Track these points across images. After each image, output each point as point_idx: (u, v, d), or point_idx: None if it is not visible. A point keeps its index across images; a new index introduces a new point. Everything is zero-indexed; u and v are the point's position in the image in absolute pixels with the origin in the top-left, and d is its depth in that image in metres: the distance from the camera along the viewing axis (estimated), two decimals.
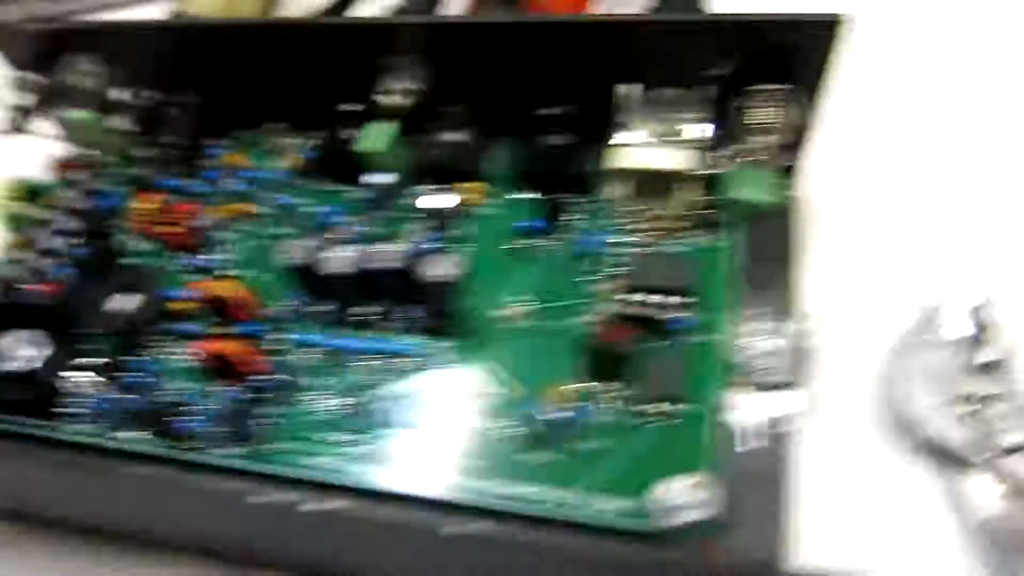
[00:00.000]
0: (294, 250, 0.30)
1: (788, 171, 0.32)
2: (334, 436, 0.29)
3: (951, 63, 0.39)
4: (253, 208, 0.35)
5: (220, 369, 0.30)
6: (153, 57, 0.37)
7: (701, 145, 0.30)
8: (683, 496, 0.25)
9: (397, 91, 0.33)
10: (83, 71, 0.37)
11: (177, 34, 0.36)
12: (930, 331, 0.30)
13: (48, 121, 0.38)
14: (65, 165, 0.37)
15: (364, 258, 0.29)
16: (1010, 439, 0.28)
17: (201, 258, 0.34)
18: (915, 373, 0.29)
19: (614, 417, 0.28)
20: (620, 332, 0.27)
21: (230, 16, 0.43)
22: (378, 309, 0.31)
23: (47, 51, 0.37)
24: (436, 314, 0.30)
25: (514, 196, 0.34)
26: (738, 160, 0.30)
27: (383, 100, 0.33)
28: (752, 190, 0.30)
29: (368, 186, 0.33)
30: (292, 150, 0.36)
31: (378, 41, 0.33)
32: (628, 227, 0.32)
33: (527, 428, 0.28)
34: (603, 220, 0.32)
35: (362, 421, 0.29)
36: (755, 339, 0.29)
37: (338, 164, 0.35)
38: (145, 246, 0.35)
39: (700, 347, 0.29)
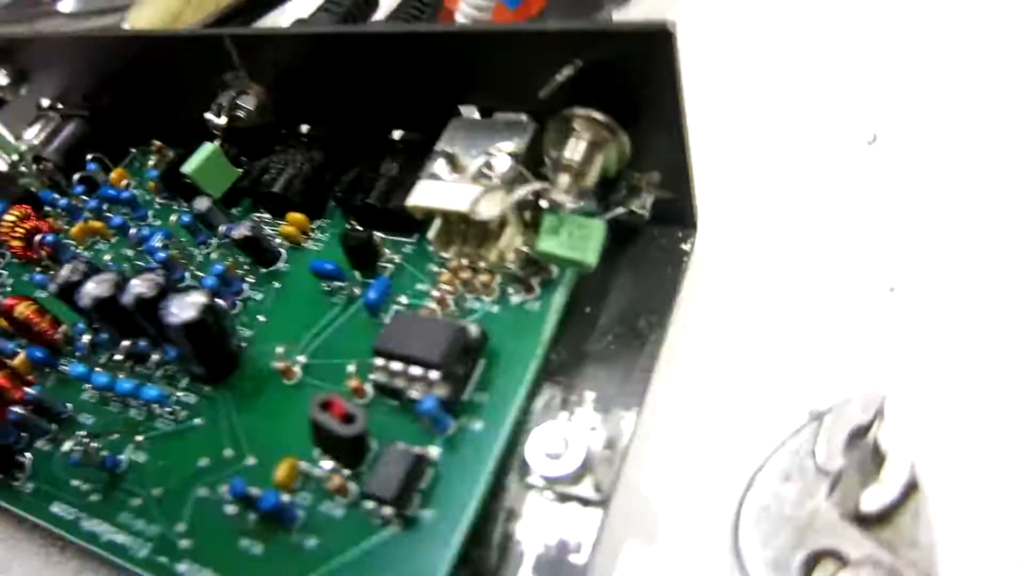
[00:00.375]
0: (57, 276, 0.27)
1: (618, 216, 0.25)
2: (76, 483, 0.26)
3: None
4: (101, 227, 0.33)
5: None
6: (59, 71, 0.37)
7: (509, 182, 0.24)
8: None
9: (227, 109, 0.30)
10: None
11: (80, 46, 0.35)
12: (801, 451, 0.21)
13: None
14: None
15: (115, 289, 0.26)
16: None
17: (40, 275, 0.32)
18: (762, 512, 0.21)
19: (339, 511, 0.22)
20: (338, 407, 0.22)
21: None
22: (145, 347, 0.27)
23: None
24: (188, 358, 0.26)
25: (337, 231, 0.29)
26: (543, 203, 0.23)
27: (212, 119, 0.30)
28: (556, 243, 0.23)
29: (188, 211, 0.30)
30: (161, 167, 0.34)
31: (214, 54, 0.30)
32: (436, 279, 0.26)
33: (244, 508, 0.23)
34: (417, 268, 0.27)
35: (98, 472, 0.25)
36: (553, 435, 0.22)
37: (180, 185, 0.32)
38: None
39: (460, 437, 0.22)
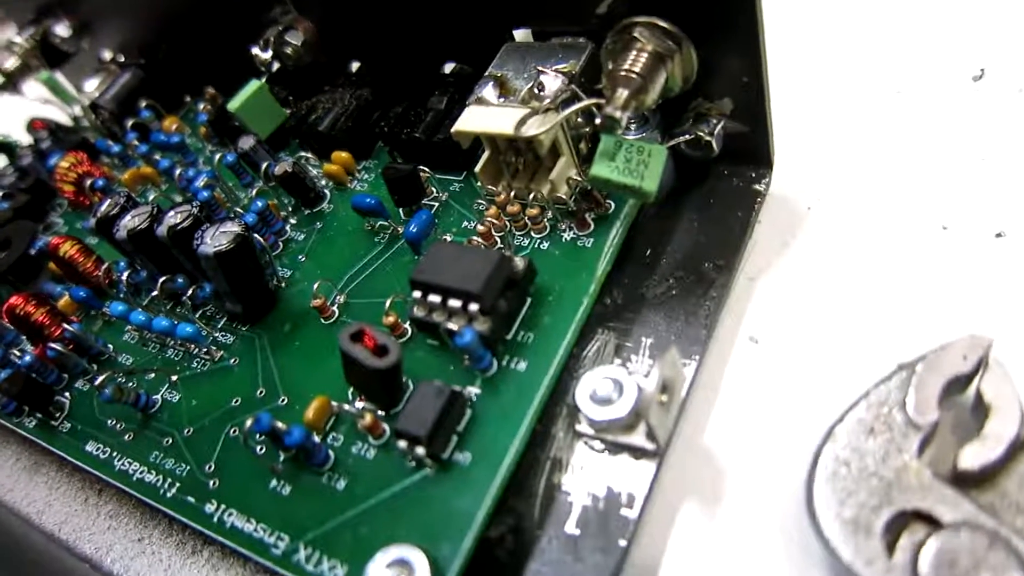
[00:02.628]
0: (96, 210, 0.26)
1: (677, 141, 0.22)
2: (111, 422, 0.25)
3: None
4: (151, 172, 0.32)
5: (24, 330, 0.27)
6: (119, 22, 0.37)
7: (558, 103, 0.22)
8: None
9: (275, 46, 0.29)
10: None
11: None
12: (889, 402, 0.19)
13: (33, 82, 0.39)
14: (34, 125, 0.38)
15: (151, 221, 0.25)
16: None
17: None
18: (841, 468, 0.18)
19: (370, 452, 0.20)
20: (369, 338, 0.20)
21: None
22: (182, 285, 0.26)
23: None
24: (223, 293, 0.24)
25: (382, 168, 0.27)
26: (597, 120, 0.21)
27: (258, 54, 0.29)
28: (611, 169, 0.21)
29: (235, 150, 0.29)
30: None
31: None
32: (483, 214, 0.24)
33: (274, 448, 0.21)
34: (462, 205, 0.25)
35: (132, 411, 0.24)
36: (605, 379, 0.20)
37: (227, 128, 0.31)
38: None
39: (502, 378, 0.20)
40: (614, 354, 0.22)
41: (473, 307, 0.20)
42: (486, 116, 0.23)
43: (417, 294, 0.21)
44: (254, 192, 0.29)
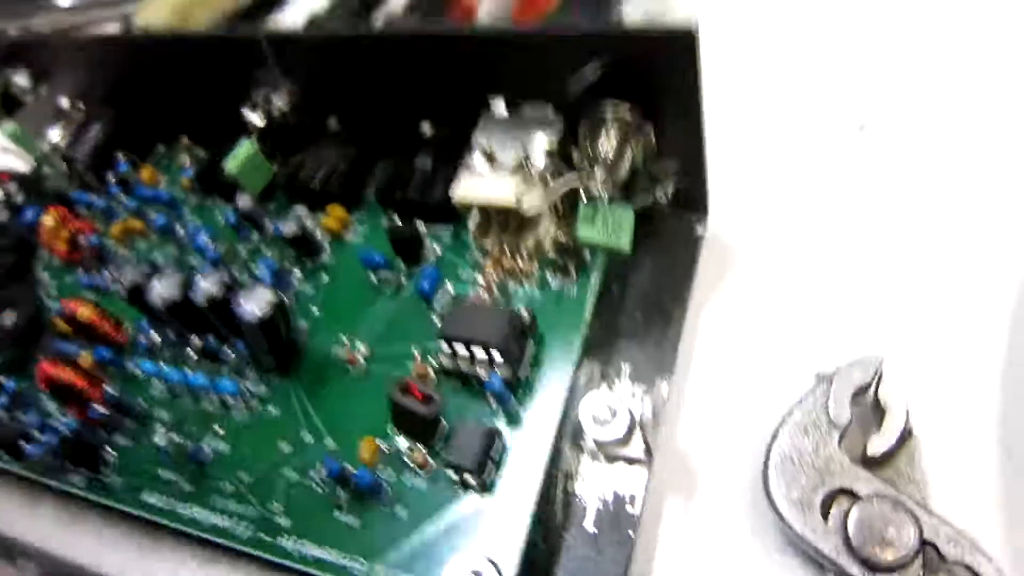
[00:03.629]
0: (123, 276, 0.29)
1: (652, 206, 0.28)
2: (165, 473, 0.28)
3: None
4: (141, 226, 0.34)
5: (62, 394, 0.29)
6: (81, 71, 0.38)
7: (545, 174, 0.26)
8: None
9: (262, 106, 0.32)
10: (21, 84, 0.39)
11: (99, 48, 0.36)
12: (815, 408, 0.25)
13: None
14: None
15: (184, 289, 0.28)
16: (890, 552, 0.23)
17: (86, 277, 0.34)
18: (786, 461, 0.25)
19: (421, 483, 0.25)
20: (416, 390, 0.25)
21: (183, 26, 0.43)
22: (214, 342, 0.29)
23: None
24: (259, 351, 0.28)
25: (377, 223, 0.31)
26: (584, 194, 0.26)
27: (248, 116, 0.32)
28: (593, 231, 0.26)
29: (233, 208, 0.32)
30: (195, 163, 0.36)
31: (247, 53, 0.31)
32: (477, 266, 0.29)
33: (334, 486, 0.26)
34: (458, 256, 0.30)
35: (186, 461, 0.28)
36: (600, 403, 0.25)
37: (216, 183, 0.34)
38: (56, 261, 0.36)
39: (522, 411, 0.26)
40: (601, 379, 0.27)
41: (496, 356, 0.25)
42: (484, 186, 0.27)
43: (445, 347, 0.26)
44: (253, 248, 0.32)
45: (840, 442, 0.24)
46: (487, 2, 0.35)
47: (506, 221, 0.28)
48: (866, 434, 0.25)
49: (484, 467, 0.24)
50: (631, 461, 0.26)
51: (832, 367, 0.26)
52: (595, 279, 0.28)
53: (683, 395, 0.28)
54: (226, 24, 0.44)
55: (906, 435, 0.24)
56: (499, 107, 0.29)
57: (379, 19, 0.39)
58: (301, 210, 0.33)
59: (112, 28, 0.44)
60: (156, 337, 0.30)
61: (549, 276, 0.28)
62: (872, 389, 0.25)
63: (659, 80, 0.25)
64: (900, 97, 0.32)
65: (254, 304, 0.27)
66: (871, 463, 0.24)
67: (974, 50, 0.33)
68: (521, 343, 0.26)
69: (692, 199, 0.30)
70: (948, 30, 0.33)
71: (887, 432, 0.24)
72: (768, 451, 0.25)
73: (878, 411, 0.25)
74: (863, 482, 0.23)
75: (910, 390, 0.25)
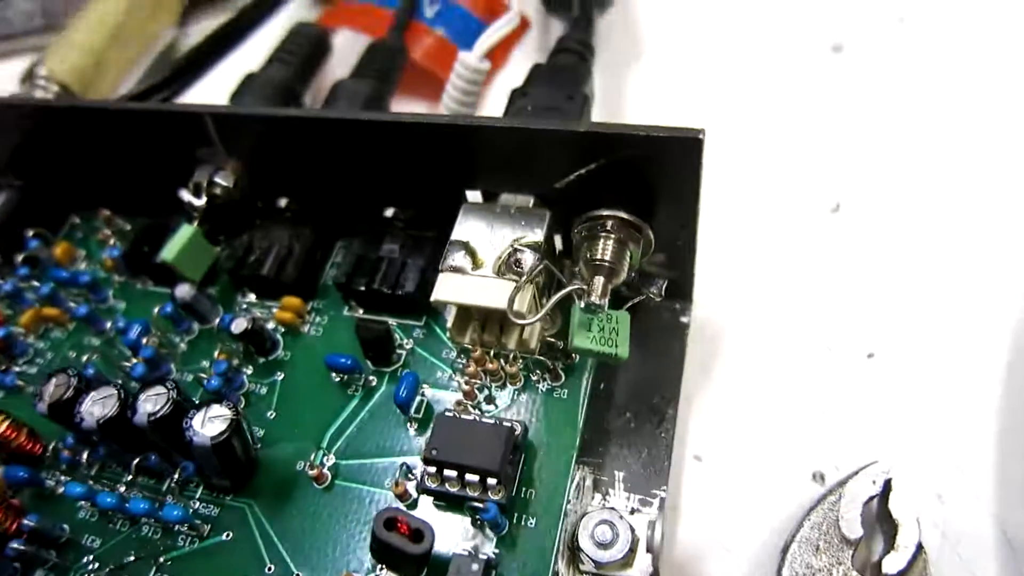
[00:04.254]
0: (44, 390, 0.25)
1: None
2: None
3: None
4: (57, 314, 0.30)
5: None
6: None
7: (534, 278, 0.24)
8: None
9: (204, 188, 0.28)
10: None
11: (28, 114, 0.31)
12: (825, 522, 0.24)
13: None
14: None
15: (122, 408, 0.24)
16: None
17: None
18: None
19: None
20: (404, 525, 0.22)
21: (96, 71, 0.39)
22: (155, 460, 0.26)
23: None
24: (211, 473, 0.25)
25: (337, 314, 0.29)
26: (578, 299, 0.24)
27: (188, 199, 0.29)
28: (590, 340, 0.24)
29: (171, 299, 0.28)
30: (121, 240, 0.32)
31: (189, 129, 0.28)
32: (455, 366, 0.27)
33: None
34: (432, 355, 0.27)
35: None
36: (601, 524, 0.23)
37: (146, 264, 0.30)
38: None
39: (516, 535, 0.23)
40: (593, 489, 0.25)
41: (491, 481, 0.23)
42: (470, 289, 0.25)
43: (431, 469, 0.23)
44: (192, 340, 0.28)
45: (852, 557, 0.23)
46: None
47: (487, 318, 0.26)
48: (871, 542, 0.24)
49: None
50: None
51: (829, 463, 0.25)
52: (586, 381, 0.26)
53: (679, 499, 0.26)
54: (145, 78, 0.40)
55: (919, 549, 0.23)
56: (475, 196, 0.27)
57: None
58: (249, 299, 0.30)
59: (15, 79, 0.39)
60: (83, 454, 0.26)
61: (535, 377, 0.26)
62: (880, 500, 0.24)
63: (659, 181, 0.24)
64: (872, 177, 0.32)
65: (208, 426, 0.23)
66: None
67: (943, 131, 0.33)
68: (515, 462, 0.24)
69: (679, 289, 0.28)
70: (920, 115, 0.34)
71: (902, 548, 0.23)
72: (779, 573, 0.23)
73: (889, 523, 0.24)
74: None
75: (919, 504, 0.24)
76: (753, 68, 0.37)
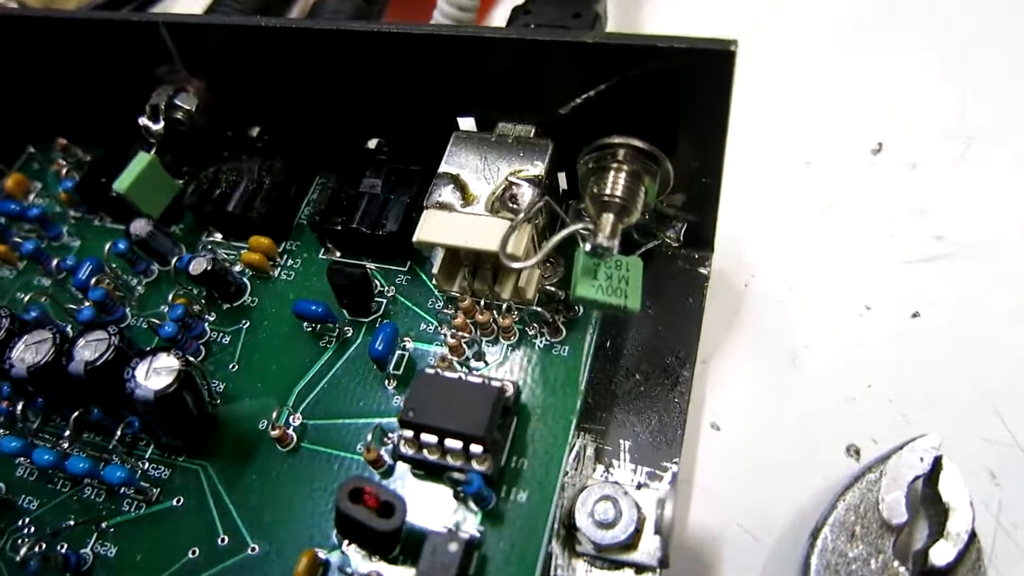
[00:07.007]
0: None
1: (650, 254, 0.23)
2: None
3: None
4: (4, 250, 0.27)
5: None
6: None
7: (532, 216, 0.21)
8: None
9: (163, 112, 0.25)
10: None
11: None
12: (863, 504, 0.21)
13: None
14: None
15: (58, 355, 0.21)
16: None
17: None
18: (832, 573, 0.20)
19: None
20: (372, 498, 0.19)
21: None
22: (99, 414, 0.23)
23: None
24: (159, 431, 0.22)
25: (312, 257, 0.25)
26: (583, 241, 0.20)
27: (146, 123, 0.25)
28: (595, 288, 0.21)
29: (126, 235, 0.25)
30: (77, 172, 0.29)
31: (143, 42, 0.24)
32: (442, 317, 0.23)
33: None
34: (416, 305, 0.24)
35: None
36: (602, 500, 0.20)
37: (104, 197, 0.27)
38: None
39: (505, 510, 0.20)
40: (595, 459, 0.22)
41: (475, 448, 0.20)
42: (457, 228, 0.21)
43: (408, 433, 0.20)
44: (151, 281, 0.25)
45: (894, 547, 0.20)
46: None
47: (478, 263, 0.23)
48: (915, 528, 0.21)
49: None
50: (640, 569, 0.21)
51: (864, 435, 0.22)
52: (590, 337, 0.23)
53: (693, 473, 0.23)
54: None
55: (972, 538, 0.20)
56: (468, 125, 0.24)
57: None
58: (215, 238, 0.27)
59: None
60: (19, 406, 0.23)
61: (532, 332, 0.23)
62: (928, 480, 0.21)
63: (680, 105, 0.20)
64: (918, 114, 0.29)
65: (153, 378, 0.20)
66: (933, 572, 0.20)
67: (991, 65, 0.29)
68: (505, 427, 0.21)
69: (698, 236, 0.25)
70: None
71: (952, 537, 0.20)
72: (806, 559, 0.20)
73: (938, 507, 0.20)
74: None
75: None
76: None
